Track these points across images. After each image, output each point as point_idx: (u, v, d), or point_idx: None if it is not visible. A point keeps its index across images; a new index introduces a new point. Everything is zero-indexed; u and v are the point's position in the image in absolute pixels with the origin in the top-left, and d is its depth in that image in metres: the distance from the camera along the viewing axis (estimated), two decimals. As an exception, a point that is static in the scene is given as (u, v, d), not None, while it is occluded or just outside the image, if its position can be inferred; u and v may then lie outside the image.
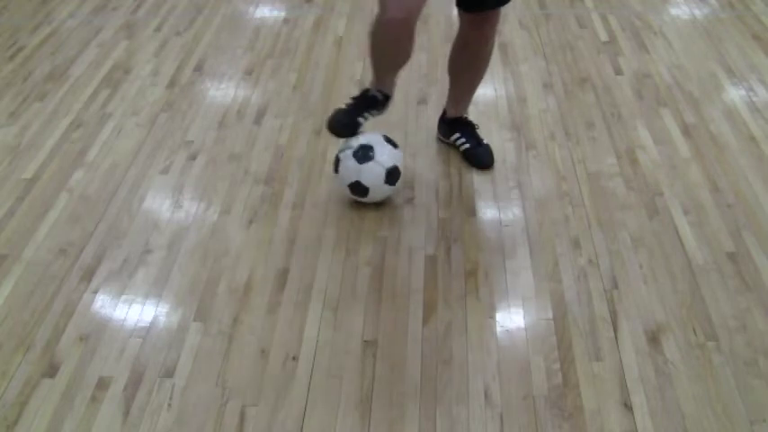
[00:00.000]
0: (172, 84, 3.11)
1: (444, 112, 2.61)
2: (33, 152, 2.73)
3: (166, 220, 2.38)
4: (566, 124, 2.72)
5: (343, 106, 2.41)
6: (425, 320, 1.99)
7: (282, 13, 3.67)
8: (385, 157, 2.28)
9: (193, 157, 2.65)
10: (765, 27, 3.33)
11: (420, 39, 3.34)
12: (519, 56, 3.18)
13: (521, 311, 2.00)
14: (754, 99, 2.82)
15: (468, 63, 2.41)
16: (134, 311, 2.06)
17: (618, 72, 3.03)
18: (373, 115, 2.40)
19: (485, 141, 2.57)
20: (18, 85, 3.16)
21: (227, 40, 3.44)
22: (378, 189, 2.29)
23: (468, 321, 1.98)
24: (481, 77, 2.46)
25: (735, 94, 2.86)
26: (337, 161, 2.33)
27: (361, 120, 2.37)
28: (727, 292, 2.03)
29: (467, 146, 2.55)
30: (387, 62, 2.27)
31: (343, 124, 2.37)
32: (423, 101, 2.91)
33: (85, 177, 2.58)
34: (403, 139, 2.68)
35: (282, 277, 2.14)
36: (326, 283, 2.12)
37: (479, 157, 2.54)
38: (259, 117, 2.86)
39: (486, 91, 2.95)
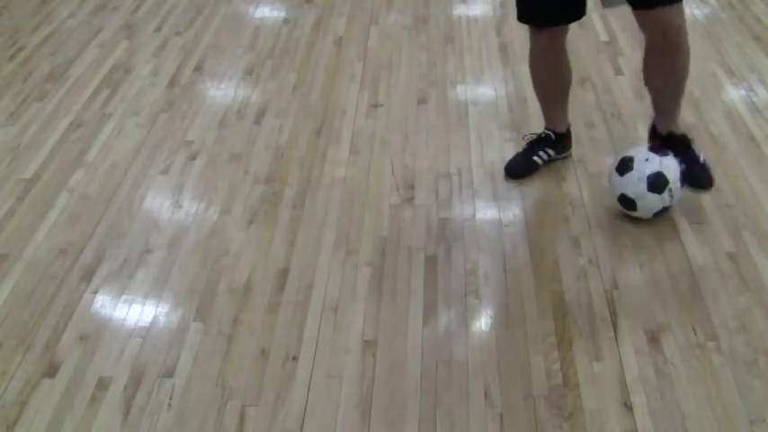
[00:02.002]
0: (172, 84, 3.11)
1: (654, 126, 2.36)
2: (33, 152, 2.73)
3: (166, 220, 2.38)
4: (566, 124, 2.72)
5: (520, 150, 2.52)
6: (425, 320, 1.99)
7: (282, 13, 3.67)
8: (645, 164, 2.15)
9: (193, 157, 2.65)
10: (765, 27, 3.32)
11: (420, 39, 3.35)
12: (519, 56, 3.18)
13: (521, 311, 2.00)
14: (754, 99, 2.82)
15: (661, 75, 2.20)
16: (134, 311, 2.06)
17: (618, 72, 3.03)
18: (551, 156, 2.46)
19: (701, 158, 2.29)
20: (18, 85, 3.16)
21: (227, 40, 3.44)
22: (644, 200, 2.17)
23: (468, 321, 1.98)
24: (680, 88, 2.21)
25: (735, 94, 2.86)
26: (627, 167, 2.19)
27: (536, 159, 2.46)
28: (727, 292, 2.03)
29: (682, 167, 2.22)
30: (550, 89, 2.41)
31: (517, 168, 2.47)
32: (423, 101, 2.91)
33: (85, 177, 2.59)
34: (403, 139, 2.69)
35: (282, 277, 2.14)
36: (326, 283, 2.12)
37: (696, 177, 2.25)
38: (259, 117, 2.86)
39: (486, 91, 2.95)
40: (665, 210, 2.21)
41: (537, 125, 2.72)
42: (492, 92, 2.94)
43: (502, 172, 2.50)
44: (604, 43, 3.25)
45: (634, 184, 2.17)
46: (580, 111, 2.80)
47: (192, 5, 3.79)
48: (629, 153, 2.23)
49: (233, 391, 1.82)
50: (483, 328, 1.97)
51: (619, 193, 2.21)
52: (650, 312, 1.98)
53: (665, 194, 2.17)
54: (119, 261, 2.23)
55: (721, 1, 3.58)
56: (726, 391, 1.77)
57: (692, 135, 2.34)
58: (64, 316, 2.05)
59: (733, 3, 3.56)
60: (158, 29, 3.58)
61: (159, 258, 2.23)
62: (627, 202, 2.20)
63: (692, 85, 2.91)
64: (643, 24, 2.10)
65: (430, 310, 2.01)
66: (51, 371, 1.90)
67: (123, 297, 2.11)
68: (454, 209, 2.37)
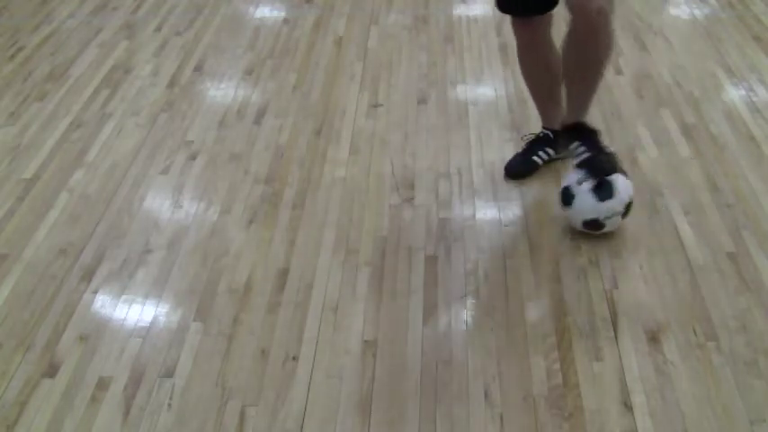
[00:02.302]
0: (172, 84, 3.11)
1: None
2: (33, 152, 2.73)
3: (166, 220, 2.38)
4: (566, 124, 2.72)
5: (519, 150, 2.52)
6: (425, 320, 1.99)
7: (282, 13, 3.67)
8: (623, 192, 2.14)
9: (193, 157, 2.65)
10: (765, 27, 3.32)
11: (420, 39, 3.35)
12: (519, 56, 3.18)
13: (521, 311, 2.00)
14: (754, 99, 2.82)
15: (579, 62, 2.10)
16: (134, 311, 2.06)
17: (618, 72, 3.03)
18: (551, 155, 2.47)
19: (609, 149, 2.24)
20: (18, 85, 3.16)
21: (227, 40, 3.44)
22: (614, 224, 2.18)
23: (469, 321, 1.98)
24: (597, 78, 2.14)
25: (735, 94, 2.86)
26: (570, 194, 2.16)
27: (536, 159, 2.46)
28: (727, 292, 2.03)
29: (587, 155, 2.20)
30: (540, 85, 2.40)
31: (519, 166, 2.48)
32: (423, 101, 2.91)
33: (85, 177, 2.59)
34: (403, 139, 2.69)
35: (282, 277, 2.14)
36: (326, 283, 2.12)
37: (599, 164, 2.19)
38: (259, 117, 2.86)
39: (486, 91, 2.95)
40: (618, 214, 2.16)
41: (537, 125, 2.72)
42: (492, 92, 2.94)
43: (502, 172, 2.50)
44: (604, 43, 3.25)
45: (587, 203, 2.13)
46: (580, 111, 2.79)
47: (192, 5, 3.79)
48: (564, 184, 2.21)
49: (233, 391, 1.82)
50: (483, 328, 1.96)
51: (580, 220, 2.17)
52: (650, 312, 1.98)
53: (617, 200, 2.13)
54: (119, 261, 2.23)
55: (721, 1, 3.58)
56: (726, 391, 1.77)
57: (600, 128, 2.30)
58: (64, 316, 2.05)
59: (733, 3, 3.56)
60: (158, 29, 3.58)
61: (159, 258, 2.23)
62: (592, 223, 2.16)
63: (692, 85, 2.91)
64: (571, 9, 1.99)
65: (430, 310, 2.01)
66: (51, 371, 1.90)
67: (123, 297, 2.11)
68: (454, 209, 2.37)
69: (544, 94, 2.44)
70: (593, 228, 2.18)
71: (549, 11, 2.20)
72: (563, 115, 2.31)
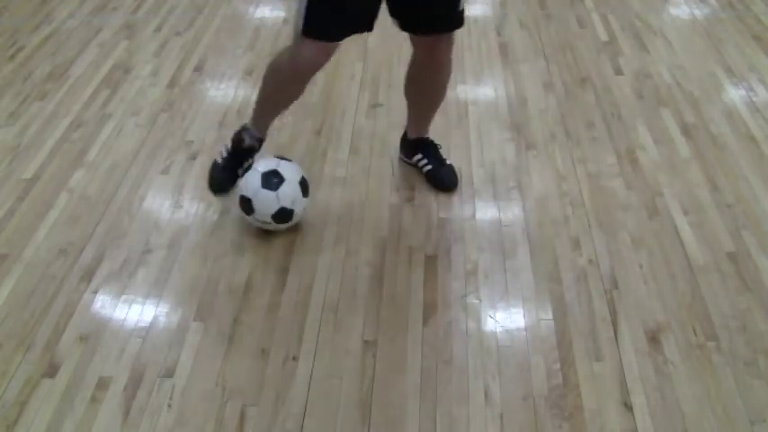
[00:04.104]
0: (172, 84, 3.11)
1: (405, 133, 2.51)
2: (33, 152, 2.73)
3: (166, 220, 2.38)
4: (566, 124, 2.72)
5: (219, 161, 2.46)
6: (425, 320, 1.99)
7: (282, 13, 3.67)
8: (291, 173, 2.19)
9: (193, 157, 2.65)
10: (765, 27, 3.32)
11: (420, 39, 3.34)
12: (519, 56, 3.18)
13: (521, 311, 2.00)
14: (754, 99, 2.82)
15: (424, 91, 2.32)
16: (134, 311, 2.06)
17: (618, 72, 3.03)
18: (251, 164, 2.34)
19: (448, 162, 2.47)
20: (18, 85, 3.16)
21: (227, 40, 3.44)
22: (302, 206, 2.21)
23: (468, 321, 1.98)
24: (440, 101, 2.36)
25: (735, 94, 2.86)
26: (246, 202, 2.19)
27: (240, 172, 2.35)
28: (727, 292, 2.03)
29: (429, 167, 2.44)
30: (283, 102, 2.31)
31: (223, 180, 2.44)
32: (423, 101, 2.90)
33: (85, 177, 2.59)
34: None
35: (282, 277, 2.14)
36: (326, 283, 2.12)
37: (442, 178, 2.43)
38: (259, 117, 2.85)
39: (486, 91, 2.95)
40: (284, 211, 2.18)
41: (537, 125, 2.73)
42: (492, 92, 2.94)
43: (502, 172, 2.50)
44: (604, 43, 3.25)
45: (249, 181, 2.17)
46: (580, 111, 2.80)
47: (192, 5, 3.79)
48: (266, 167, 2.20)
49: (233, 391, 1.82)
50: (483, 328, 1.97)
51: (276, 208, 2.17)
52: (650, 312, 1.98)
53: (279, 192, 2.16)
54: (119, 261, 2.23)
55: (721, 1, 3.58)
56: (726, 391, 1.77)
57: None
58: (64, 316, 2.05)
59: (733, 3, 3.56)
60: (158, 29, 3.58)
61: (159, 258, 2.23)
62: (244, 202, 2.19)
63: (692, 85, 2.91)
64: (416, 45, 2.17)
65: (430, 310, 2.01)
66: (51, 371, 1.90)
67: (123, 297, 2.11)
68: (454, 209, 2.37)
69: (284, 107, 2.36)
70: (283, 218, 2.19)
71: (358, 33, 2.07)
72: (407, 129, 2.47)
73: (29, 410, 1.80)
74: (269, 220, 2.19)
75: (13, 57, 3.38)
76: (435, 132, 2.70)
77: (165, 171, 2.60)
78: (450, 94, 2.92)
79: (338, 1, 1.93)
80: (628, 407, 1.75)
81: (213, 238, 2.30)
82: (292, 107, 2.92)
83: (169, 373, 1.87)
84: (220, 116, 2.88)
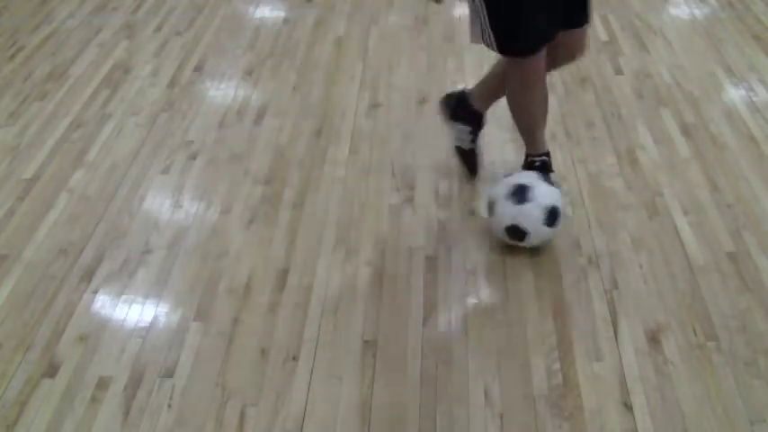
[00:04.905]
0: (172, 84, 3.11)
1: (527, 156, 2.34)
2: (33, 152, 2.73)
3: (166, 220, 2.38)
4: (566, 124, 2.72)
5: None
6: (425, 320, 1.99)
7: (282, 13, 3.67)
8: (542, 197, 2.08)
9: (193, 157, 2.65)
10: (765, 27, 3.32)
11: (420, 39, 3.35)
12: (519, 56, 3.18)
13: (521, 311, 2.00)
14: (754, 99, 2.82)
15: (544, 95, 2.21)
16: (134, 311, 2.06)
17: (618, 72, 3.03)
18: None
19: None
20: (18, 85, 3.16)
21: (227, 40, 3.44)
22: (537, 231, 2.08)
23: (468, 321, 1.98)
24: (516, 120, 2.24)
25: (735, 94, 2.86)
26: (491, 203, 2.15)
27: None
28: (727, 292, 2.03)
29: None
30: (532, 121, 2.22)
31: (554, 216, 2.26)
32: (423, 101, 2.91)
33: (85, 177, 2.59)
34: (403, 138, 2.69)
35: (282, 277, 2.14)
36: (326, 283, 2.12)
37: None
38: (259, 117, 2.86)
39: (486, 91, 2.95)
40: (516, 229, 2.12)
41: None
42: (492, 92, 2.94)
43: (502, 172, 2.50)
44: (604, 43, 3.25)
45: (532, 215, 2.07)
46: (580, 111, 2.80)
47: (192, 5, 3.79)
48: (523, 180, 2.12)
49: (233, 391, 1.82)
50: (483, 328, 1.96)
51: (510, 224, 2.10)
52: (650, 312, 1.98)
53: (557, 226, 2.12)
54: (119, 261, 2.23)
55: (721, 1, 3.58)
56: (726, 391, 1.77)
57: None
58: (64, 316, 2.05)
59: (733, 3, 3.56)
60: (158, 29, 3.58)
61: (159, 258, 2.23)
62: (513, 230, 2.11)
63: (692, 85, 2.91)
64: (563, 43, 2.03)
65: (430, 310, 2.01)
66: (51, 371, 1.90)
67: (123, 297, 2.11)
68: (454, 209, 2.37)
69: (541, 122, 2.27)
70: (516, 237, 2.11)
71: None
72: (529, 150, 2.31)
73: (29, 410, 1.80)
74: (502, 230, 2.13)
75: (13, 57, 3.39)
76: (435, 132, 2.71)
77: (165, 171, 2.60)
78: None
79: (534, 11, 1.88)
80: (628, 407, 1.75)
81: (213, 238, 2.30)
82: (292, 107, 2.93)
83: (169, 373, 1.87)
84: (220, 116, 2.88)
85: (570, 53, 2.11)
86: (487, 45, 1.99)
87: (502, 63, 2.17)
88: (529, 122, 2.24)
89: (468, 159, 2.46)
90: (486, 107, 2.37)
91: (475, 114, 2.36)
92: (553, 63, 2.09)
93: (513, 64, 2.05)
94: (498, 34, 1.94)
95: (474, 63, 3.14)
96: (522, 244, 2.13)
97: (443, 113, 2.46)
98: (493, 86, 2.29)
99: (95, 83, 3.14)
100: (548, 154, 2.31)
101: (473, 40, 2.04)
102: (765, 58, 3.09)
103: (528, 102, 2.16)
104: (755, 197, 2.34)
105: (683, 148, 2.57)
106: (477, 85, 2.36)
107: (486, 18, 1.92)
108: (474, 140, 2.40)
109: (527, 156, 2.33)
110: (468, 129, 2.37)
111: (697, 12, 3.49)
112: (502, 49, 1.97)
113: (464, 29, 3.41)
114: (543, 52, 1.99)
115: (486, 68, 3.09)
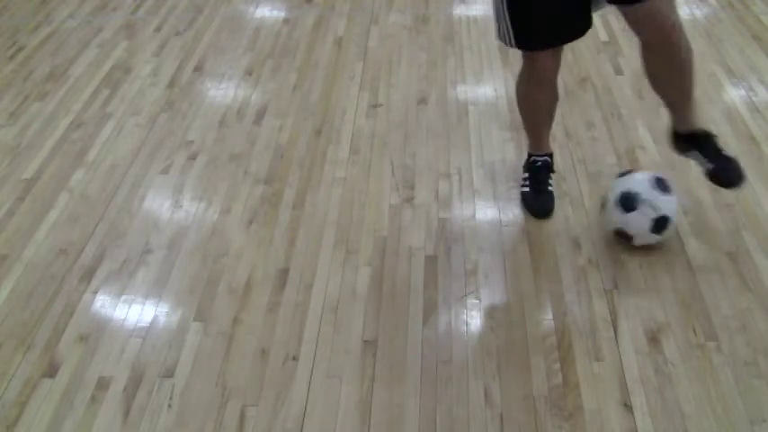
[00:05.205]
0: (172, 84, 3.11)
1: (674, 129, 2.22)
2: (33, 152, 2.73)
3: (166, 220, 2.38)
4: (566, 124, 2.72)
5: (527, 190, 2.34)
6: (425, 320, 1.99)
7: (282, 13, 3.67)
8: (650, 207, 2.06)
9: (193, 157, 2.65)
10: (765, 27, 3.32)
11: (420, 39, 3.35)
12: (519, 56, 3.17)
13: (521, 311, 2.00)
14: (754, 99, 2.82)
15: (661, 77, 2.03)
16: (134, 311, 2.06)
17: (618, 72, 3.03)
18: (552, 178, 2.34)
19: (727, 153, 2.14)
20: (18, 85, 3.16)
21: (227, 40, 3.44)
22: (643, 237, 2.11)
23: (469, 321, 1.98)
24: (687, 84, 2.02)
25: (735, 94, 2.86)
26: (603, 203, 2.18)
27: (551, 189, 2.33)
28: (727, 292, 2.03)
29: (709, 166, 2.13)
30: (535, 122, 2.26)
31: (542, 202, 2.32)
32: (423, 101, 2.91)
33: (85, 177, 2.59)
34: (403, 139, 2.69)
35: (282, 277, 2.14)
36: (326, 283, 2.12)
37: (721, 178, 2.13)
38: (259, 117, 2.86)
39: (486, 91, 2.95)
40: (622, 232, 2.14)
41: (537, 125, 2.72)
42: (492, 92, 2.94)
43: (502, 172, 2.50)
44: (604, 43, 3.25)
45: (638, 222, 2.08)
46: (580, 111, 2.80)
47: (192, 5, 3.79)
48: (634, 187, 2.10)
49: (233, 391, 1.82)
50: (483, 328, 1.97)
51: (617, 227, 2.13)
52: (650, 312, 1.98)
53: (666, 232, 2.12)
54: (119, 261, 2.23)
55: (721, 1, 3.58)
56: (726, 391, 1.77)
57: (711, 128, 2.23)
58: (64, 316, 2.05)
59: (733, 3, 3.56)
60: (158, 29, 3.58)
61: (159, 258, 2.23)
62: (621, 234, 2.14)
63: (692, 85, 2.91)
64: (634, 22, 1.92)
65: (430, 310, 2.01)
66: (51, 371, 1.90)
67: (123, 297, 2.11)
68: (454, 209, 2.37)
69: (547, 122, 2.30)
70: (624, 238, 2.14)
71: (582, 35, 2.05)
72: (673, 124, 2.19)
73: (29, 410, 1.80)
74: (611, 231, 2.16)
75: (13, 57, 3.39)
76: (435, 132, 2.71)
77: (165, 171, 2.60)
78: (450, 94, 2.94)
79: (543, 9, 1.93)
80: (628, 407, 1.75)
81: (213, 238, 2.30)
82: (292, 107, 2.93)
83: (169, 373, 1.87)
84: (220, 116, 2.88)
85: (645, 30, 1.92)
86: (505, 42, 2.05)
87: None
88: (535, 120, 2.28)
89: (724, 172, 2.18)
90: (689, 120, 2.17)
91: (689, 137, 2.20)
92: (643, 56, 1.98)
93: (527, 59, 2.13)
94: (516, 27, 1.99)
95: (474, 63, 3.14)
96: (630, 243, 2.15)
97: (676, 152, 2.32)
98: (672, 101, 2.14)
99: (95, 83, 3.14)
100: (551, 155, 2.30)
101: (497, 37, 2.10)
102: (765, 58, 3.08)
103: (535, 99, 2.22)
104: (755, 197, 2.34)
105: (683, 148, 2.57)
106: (670, 117, 2.21)
107: (506, 12, 1.98)
108: (708, 158, 2.16)
109: (529, 155, 2.35)
110: (697, 152, 2.19)
111: (697, 12, 3.48)
112: (519, 42, 2.04)
113: (464, 29, 3.42)
114: (557, 51, 2.07)
115: (485, 69, 3.10)
